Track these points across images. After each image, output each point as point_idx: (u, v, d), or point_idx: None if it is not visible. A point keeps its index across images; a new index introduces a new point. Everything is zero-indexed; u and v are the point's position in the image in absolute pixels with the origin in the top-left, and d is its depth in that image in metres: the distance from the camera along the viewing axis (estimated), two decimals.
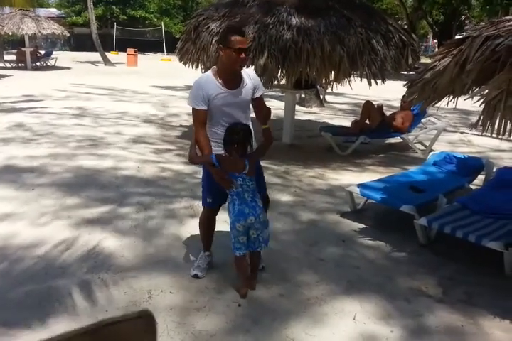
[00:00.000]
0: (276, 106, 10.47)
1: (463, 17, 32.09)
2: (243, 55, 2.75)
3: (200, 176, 3.15)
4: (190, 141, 2.98)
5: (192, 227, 3.86)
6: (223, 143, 2.81)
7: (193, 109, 2.85)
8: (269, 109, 2.95)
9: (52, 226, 3.84)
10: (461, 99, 3.36)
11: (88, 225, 3.88)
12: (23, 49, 18.77)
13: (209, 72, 2.89)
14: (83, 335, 0.69)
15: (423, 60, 8.97)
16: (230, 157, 2.77)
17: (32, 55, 18.64)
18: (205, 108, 2.81)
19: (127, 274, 3.12)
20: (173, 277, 3.11)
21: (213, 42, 5.69)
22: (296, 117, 7.52)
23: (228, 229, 2.93)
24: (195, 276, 3.09)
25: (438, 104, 3.49)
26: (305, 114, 9.87)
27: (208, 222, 3.19)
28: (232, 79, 2.86)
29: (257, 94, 3.01)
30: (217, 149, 2.87)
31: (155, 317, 0.81)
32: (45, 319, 2.61)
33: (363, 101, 7.20)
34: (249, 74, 2.98)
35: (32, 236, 3.64)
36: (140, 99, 11.50)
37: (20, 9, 18.45)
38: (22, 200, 4.38)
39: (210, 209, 3.13)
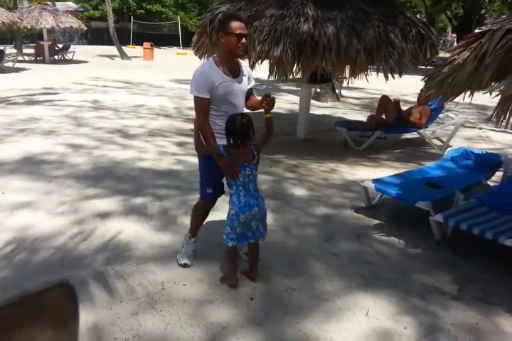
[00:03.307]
0: (291, 101, 10.46)
1: (483, 10, 31.44)
2: (244, 40, 2.76)
3: None
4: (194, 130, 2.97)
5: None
6: (227, 134, 2.79)
7: (197, 97, 2.80)
8: (273, 98, 2.91)
9: (69, 217, 3.89)
10: (479, 94, 3.30)
11: (104, 217, 3.93)
12: (41, 42, 18.98)
13: (210, 61, 2.87)
14: (8, 307, 0.70)
15: (441, 54, 8.82)
16: (239, 149, 2.77)
17: (50, 48, 18.84)
18: (209, 96, 2.78)
19: (141, 266, 3.15)
20: (187, 269, 3.13)
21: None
22: (310, 112, 7.49)
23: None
24: (185, 265, 3.13)
25: (456, 99, 3.43)
26: (320, 108, 9.80)
27: (204, 215, 3.23)
28: (233, 67, 2.87)
29: (251, 85, 3.04)
30: (219, 138, 2.85)
31: (73, 286, 0.83)
32: None
33: (379, 96, 7.12)
34: (243, 63, 3.01)
35: (48, 227, 3.69)
36: (156, 92, 11.55)
37: (39, 3, 18.66)
38: (40, 191, 4.44)
39: (209, 202, 3.14)
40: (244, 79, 2.94)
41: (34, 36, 26.47)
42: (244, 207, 2.79)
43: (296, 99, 8.03)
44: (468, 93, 3.29)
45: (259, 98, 2.95)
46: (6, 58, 15.62)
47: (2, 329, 0.68)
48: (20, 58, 17.60)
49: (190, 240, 3.24)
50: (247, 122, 2.75)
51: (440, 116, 7.07)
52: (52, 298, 0.79)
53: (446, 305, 2.85)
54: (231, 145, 2.79)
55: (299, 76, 6.85)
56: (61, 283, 0.81)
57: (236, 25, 2.73)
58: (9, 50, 18.08)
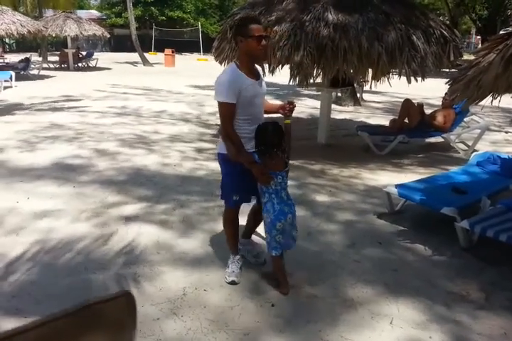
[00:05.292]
0: (312, 105, 10.42)
1: (509, 12, 30.78)
2: (264, 42, 2.74)
3: None
4: (220, 138, 2.94)
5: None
6: (259, 143, 2.79)
7: (222, 103, 2.74)
8: (294, 104, 2.93)
9: (92, 222, 3.94)
10: (506, 96, 3.22)
11: (126, 222, 3.96)
12: (65, 50, 19.43)
13: (232, 66, 2.84)
14: (66, 317, 0.70)
15: (466, 56, 8.67)
16: (272, 158, 2.76)
17: (74, 56, 19.25)
18: (235, 101, 2.74)
19: (162, 271, 3.16)
20: (208, 275, 3.12)
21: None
22: (332, 116, 7.44)
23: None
24: (233, 283, 3.00)
25: (482, 102, 3.36)
26: (341, 112, 9.73)
27: (235, 222, 3.12)
28: (253, 70, 2.87)
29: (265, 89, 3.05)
30: (245, 142, 2.83)
31: (134, 296, 0.82)
32: None
33: (402, 100, 7.03)
34: (257, 67, 3.01)
35: (72, 231, 3.74)
36: (176, 98, 11.66)
37: (63, 11, 19.13)
38: (65, 197, 4.51)
39: (235, 208, 3.06)
40: (263, 82, 2.96)
41: (58, 44, 27.17)
42: (280, 214, 2.78)
43: (317, 103, 7.98)
44: (494, 96, 3.21)
45: (273, 102, 2.91)
46: (32, 66, 16.03)
47: (57, 339, 0.68)
48: (45, 66, 18.04)
49: (234, 258, 3.14)
50: (279, 131, 2.76)
51: (465, 119, 6.93)
52: (111, 308, 0.79)
53: (473, 314, 2.77)
54: (263, 154, 2.78)
55: (319, 80, 6.81)
56: (122, 293, 0.81)
57: (254, 27, 2.72)
58: (35, 57, 18.54)
